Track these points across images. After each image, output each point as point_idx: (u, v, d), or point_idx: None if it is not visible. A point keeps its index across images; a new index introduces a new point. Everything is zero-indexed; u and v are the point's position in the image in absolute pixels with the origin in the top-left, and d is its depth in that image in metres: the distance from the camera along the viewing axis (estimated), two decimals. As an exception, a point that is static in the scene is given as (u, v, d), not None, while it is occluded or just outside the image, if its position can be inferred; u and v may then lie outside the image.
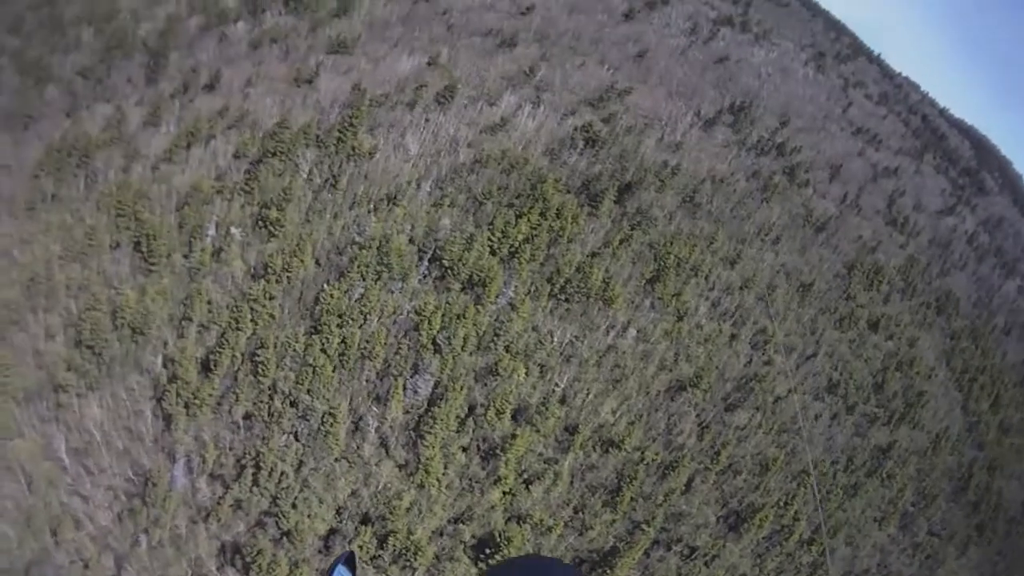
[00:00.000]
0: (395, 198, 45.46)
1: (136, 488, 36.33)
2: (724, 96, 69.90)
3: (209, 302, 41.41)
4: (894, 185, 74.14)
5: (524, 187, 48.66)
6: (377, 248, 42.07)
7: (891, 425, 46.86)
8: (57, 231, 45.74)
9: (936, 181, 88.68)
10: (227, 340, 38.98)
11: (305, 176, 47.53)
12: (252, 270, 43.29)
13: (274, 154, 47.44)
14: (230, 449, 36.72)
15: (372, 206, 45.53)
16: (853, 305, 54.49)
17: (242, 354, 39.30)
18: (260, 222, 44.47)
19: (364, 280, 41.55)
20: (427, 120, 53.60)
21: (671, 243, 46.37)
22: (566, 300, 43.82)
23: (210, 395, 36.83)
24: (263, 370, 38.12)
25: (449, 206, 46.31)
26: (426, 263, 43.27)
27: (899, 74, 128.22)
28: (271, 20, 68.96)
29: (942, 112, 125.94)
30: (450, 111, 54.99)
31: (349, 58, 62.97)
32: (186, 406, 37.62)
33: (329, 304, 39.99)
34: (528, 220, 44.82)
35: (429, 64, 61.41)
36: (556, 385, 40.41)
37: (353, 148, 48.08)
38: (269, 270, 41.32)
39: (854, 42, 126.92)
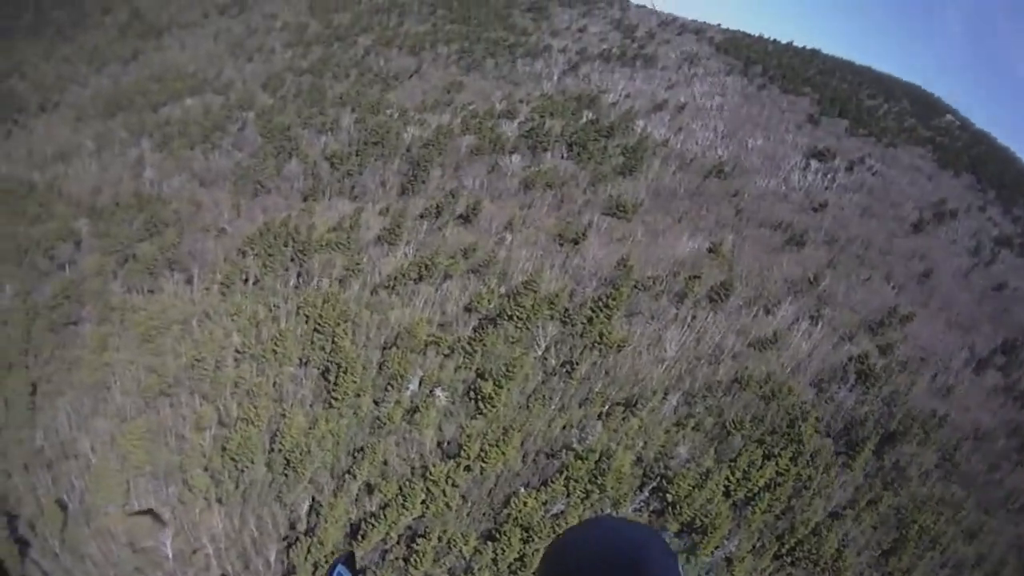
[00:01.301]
0: (634, 405, 47.38)
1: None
2: (998, 331, 71.66)
3: (384, 463, 43.72)
4: None
5: (781, 422, 49.36)
6: (596, 462, 42.76)
7: None
8: (245, 320, 47.85)
9: None
10: (387, 514, 39.78)
11: (540, 353, 51.18)
12: (444, 445, 46.25)
13: (511, 317, 52.61)
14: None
15: (605, 409, 47.30)
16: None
17: (399, 536, 40.26)
18: (472, 392, 49.09)
19: (569, 496, 41.70)
20: (694, 318, 56.78)
21: (919, 509, 45.65)
22: (791, 564, 42.22)
23: (349, 567, 33.33)
24: (416, 561, 38.11)
25: (693, 429, 47.53)
26: (647, 493, 44.22)
27: None
28: (550, 161, 77.86)
29: None
30: (721, 312, 58.37)
31: (625, 224, 69.81)
32: (314, 567, 38.42)
33: (519, 512, 40.19)
34: (777, 463, 45.16)
35: (710, 251, 67.05)
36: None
37: (602, 335, 51.60)
38: (463, 452, 43.62)
39: None
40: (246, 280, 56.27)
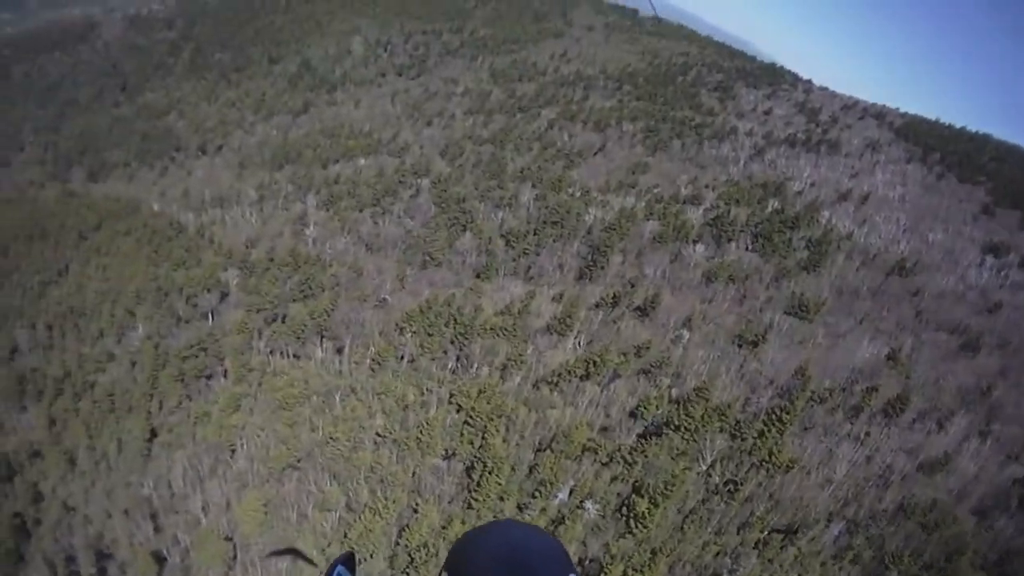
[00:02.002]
0: (794, 533, 51.62)
1: None
2: None
3: (518, 576, 46.09)
4: None
5: (939, 556, 52.84)
6: (748, 602, 47.88)
7: None
8: (392, 402, 57.90)
9: None
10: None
11: (704, 468, 56.66)
12: (586, 563, 50.65)
13: (679, 427, 58.43)
14: None
15: (763, 536, 51.40)
16: None
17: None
18: (624, 508, 53.53)
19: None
20: (867, 434, 62.71)
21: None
22: None
23: None
24: None
25: (851, 562, 50.87)
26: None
27: None
28: (734, 253, 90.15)
29: None
30: (895, 428, 64.60)
31: (806, 326, 78.64)
32: None
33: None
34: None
35: (888, 358, 74.07)
36: None
37: (772, 452, 56.68)
38: (605, 573, 47.96)
39: None
40: (401, 358, 66.06)
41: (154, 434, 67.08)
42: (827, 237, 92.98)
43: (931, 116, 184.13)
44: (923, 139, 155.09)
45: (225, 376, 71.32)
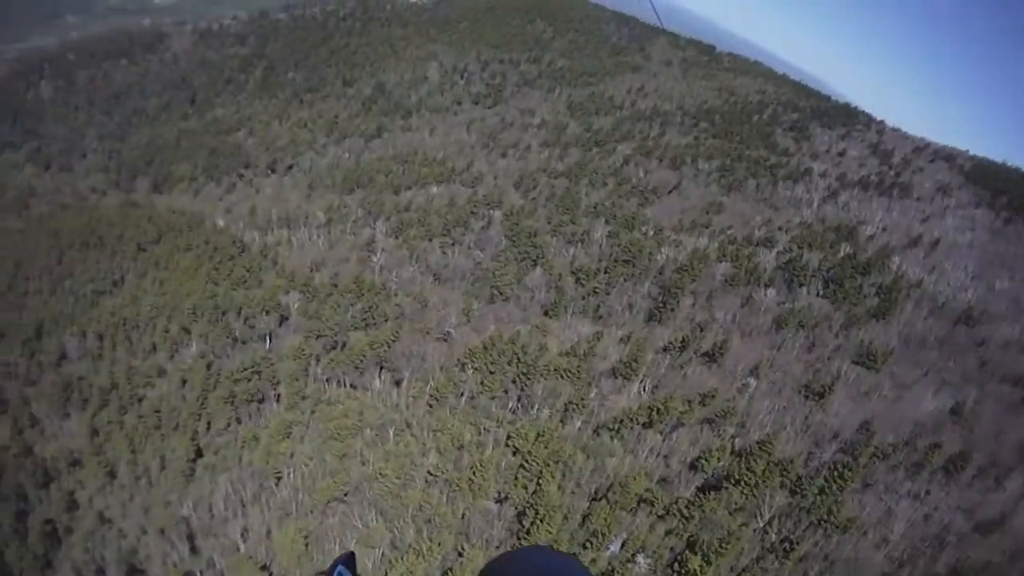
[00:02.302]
0: None
1: None
2: None
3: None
4: None
5: None
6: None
7: None
8: (448, 440, 61.75)
9: None
10: None
11: (761, 525, 58.57)
12: None
13: (738, 482, 60.40)
14: None
15: None
16: None
17: None
18: (677, 564, 55.05)
19: None
20: (927, 493, 64.72)
21: None
22: None
23: None
24: None
25: None
26: None
27: None
28: (806, 299, 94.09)
29: None
30: (954, 487, 66.32)
31: (873, 376, 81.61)
32: None
33: None
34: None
35: (952, 412, 76.62)
36: None
37: (831, 511, 58.63)
38: None
39: None
40: (460, 395, 69.57)
41: (199, 454, 71.74)
42: (897, 284, 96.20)
43: (999, 159, 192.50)
44: (991, 183, 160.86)
45: (278, 401, 75.95)
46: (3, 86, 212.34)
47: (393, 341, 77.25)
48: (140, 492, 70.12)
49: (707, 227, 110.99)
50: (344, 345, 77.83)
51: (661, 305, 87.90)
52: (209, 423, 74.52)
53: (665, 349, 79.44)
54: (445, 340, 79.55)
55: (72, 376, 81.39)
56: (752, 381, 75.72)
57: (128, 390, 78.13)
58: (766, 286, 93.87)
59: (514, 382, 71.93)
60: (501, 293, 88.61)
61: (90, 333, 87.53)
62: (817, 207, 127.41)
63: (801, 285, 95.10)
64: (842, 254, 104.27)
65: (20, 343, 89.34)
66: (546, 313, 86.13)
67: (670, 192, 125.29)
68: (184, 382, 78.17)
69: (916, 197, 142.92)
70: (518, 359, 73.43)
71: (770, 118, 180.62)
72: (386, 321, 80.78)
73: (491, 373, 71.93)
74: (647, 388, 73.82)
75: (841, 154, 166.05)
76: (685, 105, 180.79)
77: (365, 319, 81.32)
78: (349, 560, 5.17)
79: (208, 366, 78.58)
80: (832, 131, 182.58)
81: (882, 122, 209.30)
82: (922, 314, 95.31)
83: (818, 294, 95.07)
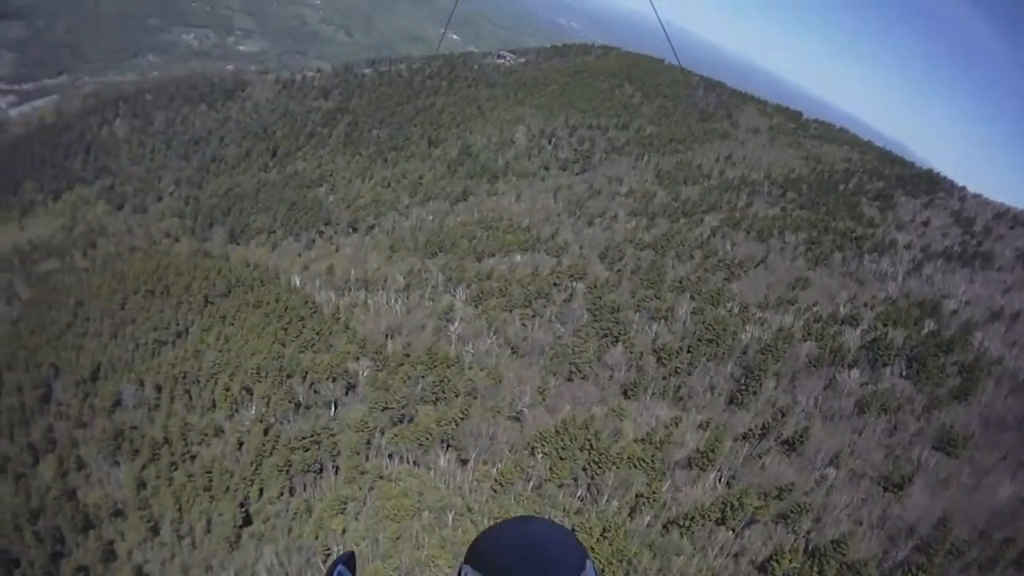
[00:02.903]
0: None
1: None
2: None
3: None
4: None
5: None
6: None
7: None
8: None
9: None
10: None
11: None
12: None
13: None
14: None
15: None
16: None
17: None
18: None
19: None
20: None
21: None
22: None
23: None
24: None
25: None
26: None
27: None
28: (888, 380, 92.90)
29: None
30: None
31: (952, 463, 79.83)
32: None
33: None
34: None
35: None
36: None
37: None
38: None
39: None
40: (527, 481, 68.07)
41: (247, 521, 71.64)
42: (979, 362, 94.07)
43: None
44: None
45: (335, 473, 75.36)
46: (77, 120, 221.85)
47: (462, 419, 76.37)
48: (182, 552, 70.40)
49: (792, 303, 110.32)
50: (411, 419, 77.16)
51: (743, 387, 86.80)
52: (261, 490, 74.31)
53: (744, 436, 78.12)
54: (517, 419, 78.58)
55: (125, 424, 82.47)
56: (831, 472, 73.93)
57: (181, 446, 78.62)
58: (850, 367, 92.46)
59: (584, 469, 70.40)
60: (579, 371, 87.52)
61: (148, 382, 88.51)
62: (902, 280, 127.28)
63: (885, 365, 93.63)
64: (926, 331, 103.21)
65: (75, 384, 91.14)
66: (625, 393, 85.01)
67: (756, 266, 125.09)
68: (240, 444, 78.61)
69: (997, 267, 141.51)
70: (591, 445, 72.06)
71: (856, 187, 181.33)
72: (457, 396, 79.95)
73: (561, 459, 70.57)
74: (723, 479, 72.15)
75: (925, 223, 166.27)
76: (772, 174, 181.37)
77: (435, 393, 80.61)
78: (349, 560, 5.23)
79: (266, 430, 78.67)
80: (916, 199, 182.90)
81: (964, 188, 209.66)
82: (1003, 392, 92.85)
83: (901, 374, 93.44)
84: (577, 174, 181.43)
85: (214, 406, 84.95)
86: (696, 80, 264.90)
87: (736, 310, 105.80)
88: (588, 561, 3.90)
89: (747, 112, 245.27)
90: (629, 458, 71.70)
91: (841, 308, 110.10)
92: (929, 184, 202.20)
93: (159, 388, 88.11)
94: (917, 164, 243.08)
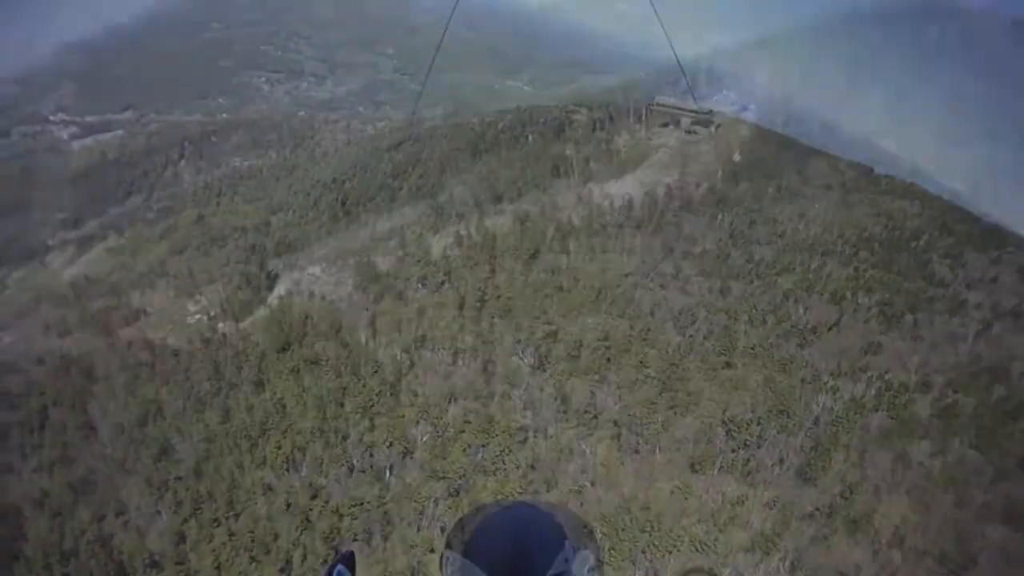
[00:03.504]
0: None
1: None
2: None
3: None
4: None
5: None
6: None
7: None
8: None
9: None
10: None
11: None
12: None
13: None
14: None
15: None
16: None
17: None
18: None
19: None
20: None
21: None
22: None
23: None
24: None
25: None
26: None
27: None
28: (957, 451, 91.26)
29: None
30: None
31: (1018, 538, 77.78)
32: None
33: None
34: None
35: None
36: None
37: None
38: None
39: None
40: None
41: (285, 597, 70.36)
42: None
43: None
44: None
45: (385, 542, 73.62)
46: (141, 157, 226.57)
47: (519, 493, 74.63)
48: (216, 612, 69.65)
49: (864, 370, 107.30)
50: (467, 491, 75.42)
51: (811, 462, 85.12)
52: (305, 555, 72.30)
53: (811, 516, 76.69)
54: (579, 493, 76.99)
55: (171, 474, 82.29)
56: (896, 555, 72.60)
57: (226, 502, 77.84)
58: (920, 438, 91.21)
59: (644, 552, 68.82)
60: (647, 443, 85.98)
61: (197, 433, 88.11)
62: (971, 342, 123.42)
63: (954, 434, 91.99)
64: (995, 397, 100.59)
65: (122, 428, 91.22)
66: (692, 467, 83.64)
67: (829, 329, 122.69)
68: (288, 506, 76.97)
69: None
70: (652, 527, 70.61)
71: (927, 244, 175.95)
72: (517, 468, 78.50)
73: (620, 540, 69.02)
74: (786, 565, 70.30)
75: (994, 280, 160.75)
76: (845, 233, 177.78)
77: (495, 464, 79.13)
78: (349, 559, 5.19)
79: (315, 494, 77.76)
80: (985, 255, 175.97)
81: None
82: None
83: (969, 445, 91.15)
84: (651, 233, 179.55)
85: (264, 463, 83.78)
86: (767, 134, 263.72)
87: (808, 379, 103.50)
88: (567, 542, 4.32)
89: (819, 167, 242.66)
90: (691, 541, 70.13)
91: (912, 375, 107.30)
92: (997, 239, 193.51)
93: (210, 440, 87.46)
94: (986, 218, 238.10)
